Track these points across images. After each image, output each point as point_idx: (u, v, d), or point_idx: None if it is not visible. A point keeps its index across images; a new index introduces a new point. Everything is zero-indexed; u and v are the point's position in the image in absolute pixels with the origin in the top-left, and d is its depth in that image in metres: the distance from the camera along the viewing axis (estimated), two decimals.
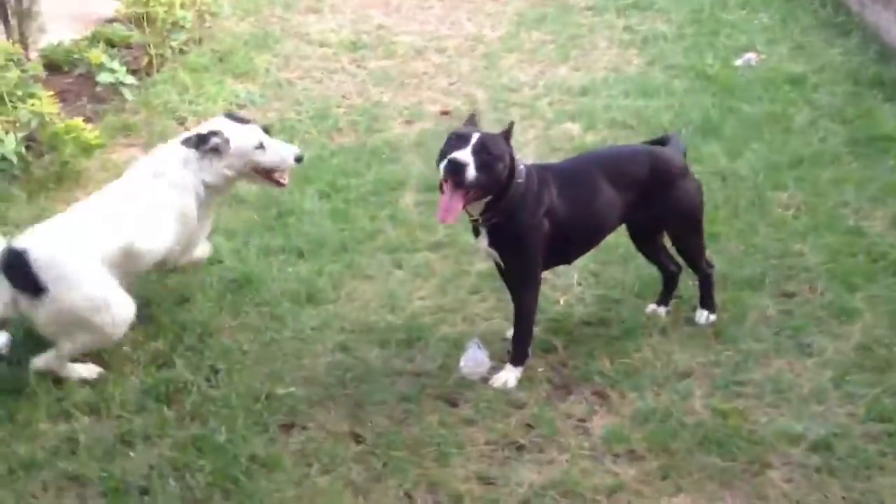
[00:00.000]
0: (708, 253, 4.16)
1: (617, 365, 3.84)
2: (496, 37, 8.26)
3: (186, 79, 6.84)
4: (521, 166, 3.64)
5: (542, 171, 3.75)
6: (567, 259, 4.03)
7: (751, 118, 6.20)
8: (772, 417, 3.53)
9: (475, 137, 3.49)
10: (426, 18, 8.88)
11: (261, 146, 4.17)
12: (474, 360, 3.81)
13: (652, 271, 4.29)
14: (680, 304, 4.24)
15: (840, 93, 6.57)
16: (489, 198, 3.56)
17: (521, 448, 3.43)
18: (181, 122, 6.26)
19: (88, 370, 3.83)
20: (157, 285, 4.45)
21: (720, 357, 3.88)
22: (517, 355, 3.80)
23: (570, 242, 3.86)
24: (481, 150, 3.45)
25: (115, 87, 6.51)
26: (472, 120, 3.73)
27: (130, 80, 6.57)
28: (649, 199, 3.87)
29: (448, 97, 6.94)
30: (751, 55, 7.35)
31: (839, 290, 4.28)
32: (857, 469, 3.24)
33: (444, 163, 3.46)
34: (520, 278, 3.79)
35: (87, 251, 3.73)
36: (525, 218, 3.63)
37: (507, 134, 3.61)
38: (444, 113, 6.62)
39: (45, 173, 5.46)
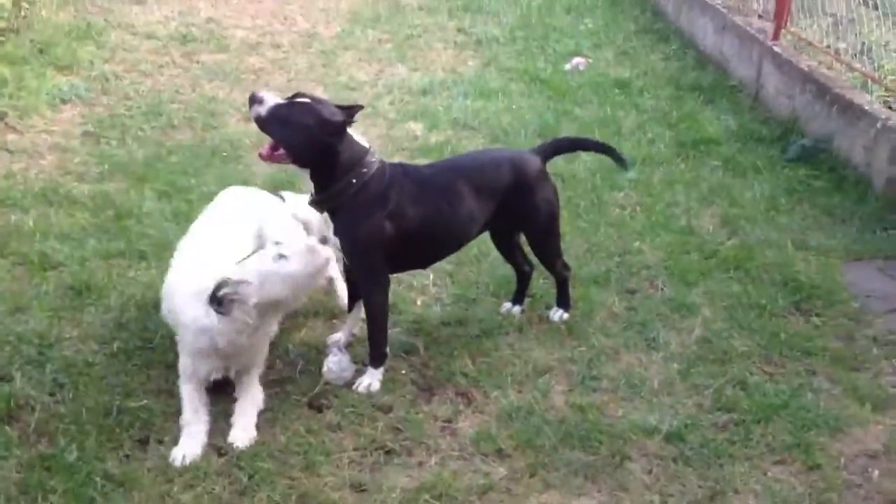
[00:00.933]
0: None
1: (478, 364, 3.88)
2: (331, 34, 8.19)
3: (5, 71, 6.37)
4: (375, 164, 3.62)
5: (399, 175, 3.71)
6: (424, 264, 4.09)
7: (584, 121, 6.44)
8: (627, 411, 3.66)
9: (301, 99, 3.57)
10: (257, 12, 8.70)
11: None
12: (338, 364, 3.74)
13: (505, 271, 4.37)
14: (533, 302, 4.34)
15: (664, 97, 6.96)
16: (308, 171, 3.57)
17: (390, 452, 3.40)
18: (2, 117, 5.81)
19: None
20: None
21: (574, 353, 3.99)
22: (375, 357, 3.77)
23: (427, 248, 3.88)
24: (290, 108, 3.52)
25: None
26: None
27: None
28: (511, 205, 3.91)
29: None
30: (579, 60, 7.64)
31: (678, 286, 4.50)
32: (709, 458, 3.40)
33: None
34: (361, 276, 3.78)
35: None
36: (358, 213, 3.60)
37: (339, 119, 3.55)
38: None
39: None
